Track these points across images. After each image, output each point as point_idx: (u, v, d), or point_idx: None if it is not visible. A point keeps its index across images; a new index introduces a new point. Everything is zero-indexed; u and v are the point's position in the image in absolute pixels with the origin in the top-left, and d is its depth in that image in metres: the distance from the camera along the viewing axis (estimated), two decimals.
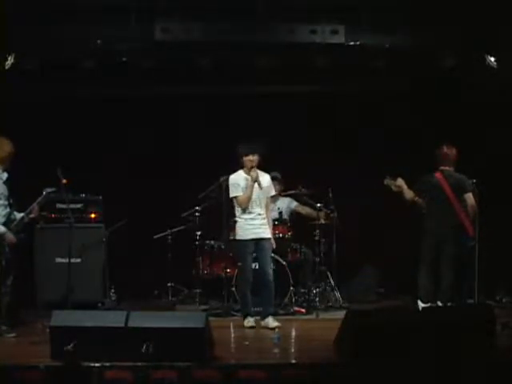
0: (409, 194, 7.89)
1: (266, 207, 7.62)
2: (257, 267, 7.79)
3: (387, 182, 7.94)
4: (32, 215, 7.25)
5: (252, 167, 7.45)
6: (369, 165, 9.26)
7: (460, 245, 7.81)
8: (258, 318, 7.61)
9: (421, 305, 7.68)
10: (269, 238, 7.57)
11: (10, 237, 7.11)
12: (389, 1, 8.04)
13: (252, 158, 7.44)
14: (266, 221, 7.56)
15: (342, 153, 9.40)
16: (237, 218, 7.59)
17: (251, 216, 7.49)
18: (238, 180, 7.54)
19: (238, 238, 7.59)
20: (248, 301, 7.56)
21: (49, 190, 7.27)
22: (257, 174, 7.47)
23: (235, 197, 7.53)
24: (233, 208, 7.68)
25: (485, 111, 8.93)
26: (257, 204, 7.50)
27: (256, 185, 7.45)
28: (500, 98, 8.64)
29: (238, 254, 7.69)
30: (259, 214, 7.51)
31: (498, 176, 8.66)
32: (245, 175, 7.53)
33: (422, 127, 9.19)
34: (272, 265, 7.70)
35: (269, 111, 9.39)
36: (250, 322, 7.50)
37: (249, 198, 7.45)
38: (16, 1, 7.72)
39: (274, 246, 7.71)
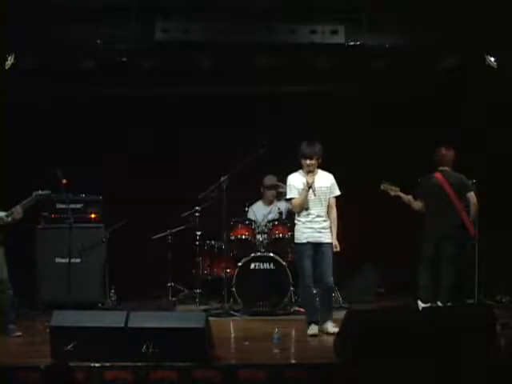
0: (417, 205, 7.92)
1: (330, 207, 7.22)
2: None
3: (384, 186, 7.95)
4: (14, 216, 7.08)
5: (310, 172, 7.10)
6: (369, 165, 9.25)
7: (461, 245, 7.81)
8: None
9: (421, 305, 7.68)
10: (329, 243, 7.14)
11: None
12: (389, 1, 8.04)
13: (310, 163, 7.08)
14: (327, 223, 7.16)
15: (342, 153, 9.39)
16: (295, 220, 7.25)
17: (309, 218, 7.10)
18: (294, 181, 7.20)
19: (295, 241, 7.24)
20: (313, 308, 7.19)
21: (40, 192, 7.18)
22: (313, 179, 7.07)
23: (290, 199, 7.25)
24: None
25: (485, 111, 8.93)
26: (316, 206, 7.12)
27: (310, 191, 7.07)
28: (500, 97, 8.64)
29: (296, 257, 7.42)
30: (318, 216, 7.11)
31: (498, 176, 8.66)
32: (301, 177, 7.18)
33: (422, 127, 9.18)
34: (332, 270, 7.15)
35: (269, 111, 9.39)
36: (313, 329, 7.08)
37: (302, 204, 7.08)
38: (16, 1, 7.72)
39: (338, 249, 7.25)
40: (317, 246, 7.12)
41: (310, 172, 7.11)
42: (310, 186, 7.07)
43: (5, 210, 7.14)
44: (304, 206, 7.12)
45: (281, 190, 8.83)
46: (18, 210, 7.10)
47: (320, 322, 7.17)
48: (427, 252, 7.84)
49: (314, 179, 7.10)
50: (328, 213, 7.22)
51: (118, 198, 8.92)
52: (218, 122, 9.46)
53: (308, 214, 7.13)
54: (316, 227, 7.12)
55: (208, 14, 8.03)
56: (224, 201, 8.22)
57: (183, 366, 5.68)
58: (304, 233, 7.12)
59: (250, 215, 8.96)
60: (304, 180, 7.14)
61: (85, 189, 8.69)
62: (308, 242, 7.10)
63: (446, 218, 7.75)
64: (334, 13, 8.04)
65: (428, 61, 8.56)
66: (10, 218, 7.10)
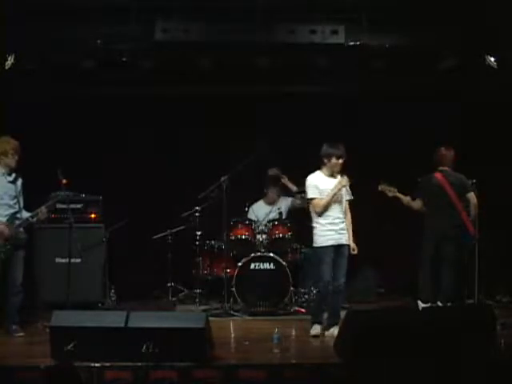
0: (416, 204, 7.96)
1: (346, 210, 7.18)
2: None
3: (382, 187, 7.96)
4: (39, 217, 7.18)
5: (337, 172, 7.04)
6: (369, 165, 9.25)
7: (461, 245, 7.81)
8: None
9: (421, 305, 7.68)
10: (347, 244, 7.07)
11: (1, 227, 7.01)
12: (389, 1, 8.04)
13: (341, 162, 7.04)
14: (344, 224, 7.09)
15: None
16: (314, 224, 7.06)
17: (329, 220, 6.99)
18: (316, 181, 7.04)
19: (316, 245, 7.04)
20: (320, 310, 7.17)
21: (62, 193, 7.23)
22: (347, 181, 7.02)
23: (312, 199, 7.03)
24: (308, 210, 7.13)
25: (485, 111, 8.93)
26: (336, 207, 7.04)
27: (338, 193, 7.03)
28: (500, 97, 8.64)
29: (315, 260, 7.18)
30: (338, 218, 7.03)
31: (497, 176, 8.66)
32: (325, 177, 7.07)
33: (422, 127, 9.19)
34: (345, 272, 7.09)
35: (269, 111, 9.39)
36: (316, 329, 7.08)
37: (327, 205, 6.97)
38: (16, 1, 7.72)
39: (356, 252, 7.16)
40: (337, 248, 7.03)
41: (337, 173, 7.05)
42: (344, 186, 7.01)
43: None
44: (327, 208, 7.01)
45: (283, 181, 8.85)
46: (42, 211, 7.17)
47: (327, 326, 7.11)
48: (427, 252, 7.84)
49: (346, 180, 7.03)
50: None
51: (118, 198, 8.92)
52: (218, 122, 9.46)
53: (328, 216, 7.02)
54: (336, 229, 7.02)
55: (208, 13, 8.03)
56: (224, 201, 8.22)
57: (183, 365, 5.68)
58: (325, 236, 7.00)
59: (250, 215, 8.96)
60: (326, 179, 7.06)
61: (85, 189, 8.68)
62: (330, 246, 6.99)
63: (446, 217, 7.76)
64: (334, 13, 8.03)
65: (428, 61, 8.55)
66: (34, 219, 7.16)
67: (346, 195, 7.19)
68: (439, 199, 7.82)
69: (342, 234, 7.07)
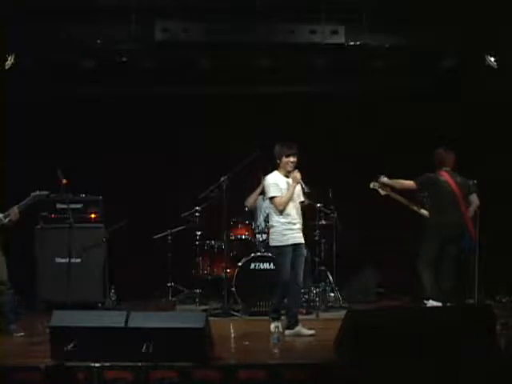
0: (414, 206, 7.95)
1: (298, 211, 7.24)
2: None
3: (373, 185, 7.94)
4: (11, 218, 7.07)
5: (294, 169, 7.11)
6: (368, 165, 9.25)
7: (463, 245, 7.80)
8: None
9: (433, 303, 7.62)
10: (304, 244, 7.22)
11: None
12: (389, 1, 8.04)
13: (293, 160, 7.09)
14: (300, 224, 7.20)
15: (342, 153, 9.40)
16: (273, 223, 7.13)
17: (289, 220, 7.08)
18: (276, 180, 7.12)
19: (276, 244, 7.11)
20: (279, 309, 7.28)
21: (37, 193, 7.17)
22: (300, 175, 7.10)
23: (274, 197, 7.08)
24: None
25: (485, 111, 8.93)
26: (294, 207, 7.13)
27: (298, 187, 7.12)
28: (500, 97, 8.64)
29: (277, 260, 7.25)
30: (295, 218, 7.13)
31: (498, 176, 8.66)
32: (282, 177, 7.14)
33: (422, 127, 9.19)
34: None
35: (269, 111, 9.39)
36: (276, 325, 7.13)
37: (289, 201, 7.07)
38: (16, 1, 7.73)
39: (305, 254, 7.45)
40: (295, 247, 7.11)
41: (293, 169, 7.11)
42: (298, 182, 7.09)
43: (2, 212, 7.16)
44: (287, 206, 7.10)
45: None
46: (14, 211, 7.10)
47: (292, 325, 7.16)
48: (431, 252, 7.79)
49: (300, 175, 7.11)
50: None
51: (118, 198, 8.92)
52: (218, 122, 9.46)
53: (287, 215, 7.11)
54: (294, 228, 7.12)
55: (208, 13, 8.03)
56: (224, 201, 8.22)
57: (183, 365, 5.67)
58: (285, 235, 7.08)
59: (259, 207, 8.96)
60: (285, 179, 7.12)
61: (85, 189, 8.69)
62: (290, 245, 7.08)
63: (451, 217, 7.73)
64: (334, 13, 8.04)
65: (428, 61, 8.56)
66: (6, 220, 7.12)
67: (300, 196, 7.25)
68: (446, 198, 7.78)
69: (299, 233, 7.16)
